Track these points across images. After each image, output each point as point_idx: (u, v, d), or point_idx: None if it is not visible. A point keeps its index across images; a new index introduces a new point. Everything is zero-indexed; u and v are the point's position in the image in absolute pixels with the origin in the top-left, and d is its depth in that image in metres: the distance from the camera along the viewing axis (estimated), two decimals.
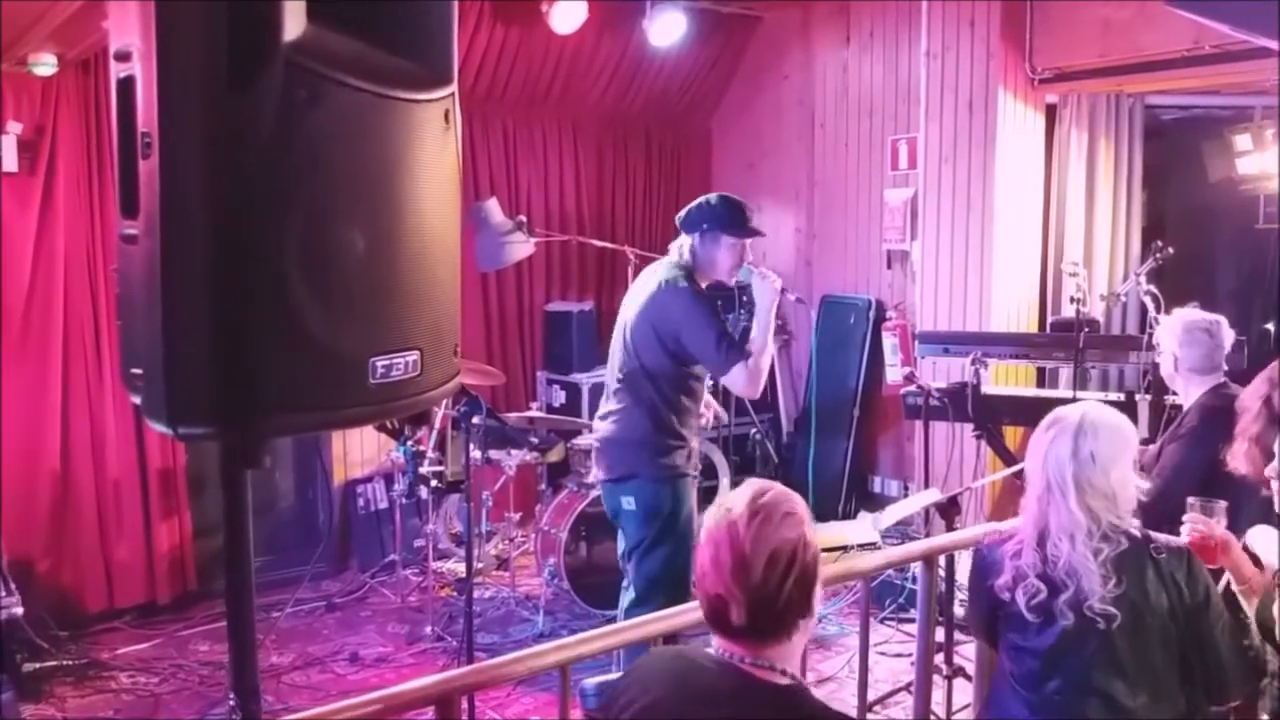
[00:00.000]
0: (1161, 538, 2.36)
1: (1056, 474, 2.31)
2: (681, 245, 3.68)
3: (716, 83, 7.63)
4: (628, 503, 3.65)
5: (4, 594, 4.15)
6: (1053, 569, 2.29)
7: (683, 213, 3.69)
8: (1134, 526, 2.34)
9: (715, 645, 1.74)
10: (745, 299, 6.41)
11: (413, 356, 1.41)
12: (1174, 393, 4.14)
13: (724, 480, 6.17)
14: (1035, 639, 2.32)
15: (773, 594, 1.64)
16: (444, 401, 4.87)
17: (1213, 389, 3.27)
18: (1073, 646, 2.28)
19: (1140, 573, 2.28)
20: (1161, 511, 2.68)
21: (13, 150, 4.76)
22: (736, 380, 3.52)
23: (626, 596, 3.70)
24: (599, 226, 7.13)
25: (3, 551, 4.45)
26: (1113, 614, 2.23)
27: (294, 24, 1.27)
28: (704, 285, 3.69)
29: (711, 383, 3.87)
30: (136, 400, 1.32)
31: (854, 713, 3.16)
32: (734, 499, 1.72)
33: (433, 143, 1.44)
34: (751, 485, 1.75)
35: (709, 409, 3.93)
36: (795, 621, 1.68)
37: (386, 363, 1.37)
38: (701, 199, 3.68)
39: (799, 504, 1.73)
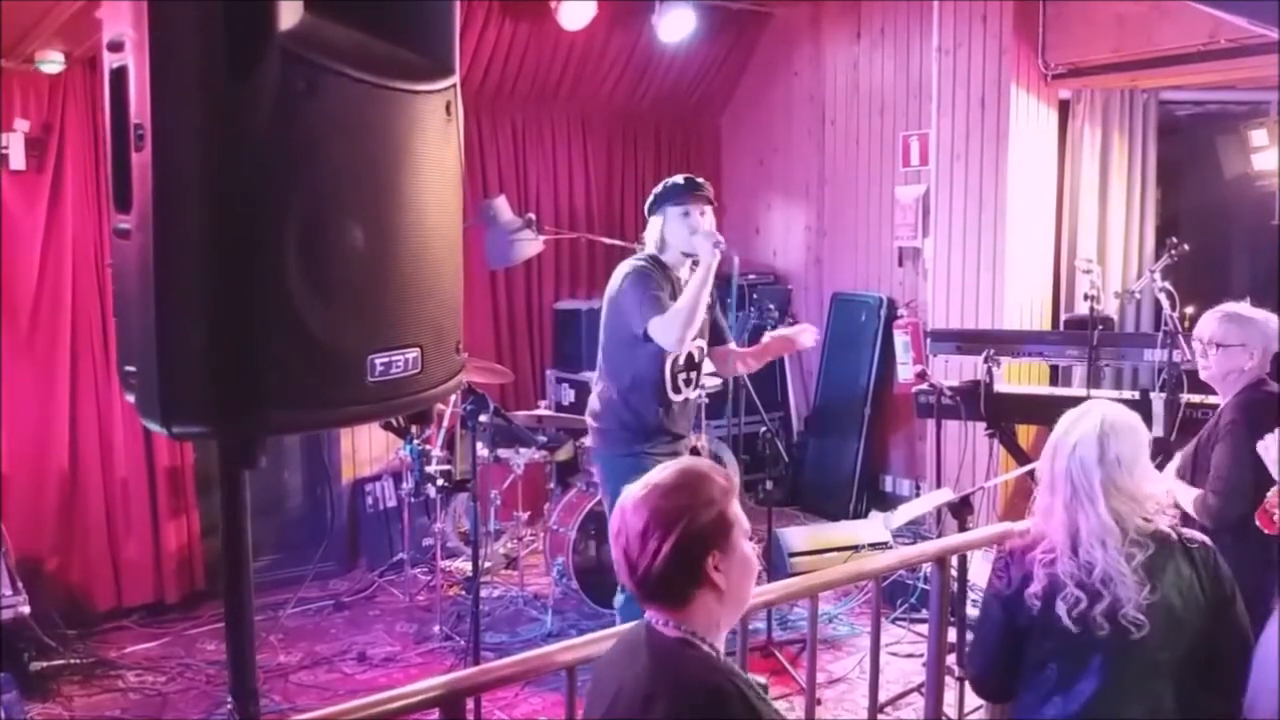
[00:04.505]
0: (1189, 531, 2.34)
1: (1083, 480, 2.27)
2: (645, 234, 3.90)
3: (726, 79, 7.59)
4: (597, 474, 4.02)
5: (11, 593, 4.14)
6: (1088, 576, 2.24)
7: (647, 203, 3.90)
8: (1164, 523, 2.31)
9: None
10: (755, 296, 6.39)
11: (413, 354, 1.38)
12: (1187, 391, 4.10)
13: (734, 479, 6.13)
14: (1072, 647, 2.27)
15: (647, 564, 1.68)
16: (451, 400, 4.86)
17: (1255, 384, 3.21)
18: (1112, 654, 2.24)
19: (1175, 571, 2.26)
20: (1238, 509, 2.83)
21: (20, 148, 4.76)
22: (655, 332, 3.65)
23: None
24: (608, 224, 7.09)
25: (11, 550, 4.44)
26: (1142, 621, 2.20)
27: (291, 13, 1.24)
28: (682, 267, 3.82)
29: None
30: (131, 399, 1.29)
31: (864, 713, 3.12)
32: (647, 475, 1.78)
33: (434, 135, 1.41)
34: (670, 462, 1.81)
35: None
36: (690, 592, 1.70)
37: (385, 360, 1.34)
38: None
39: (703, 477, 1.74)
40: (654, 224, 3.83)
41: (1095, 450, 2.26)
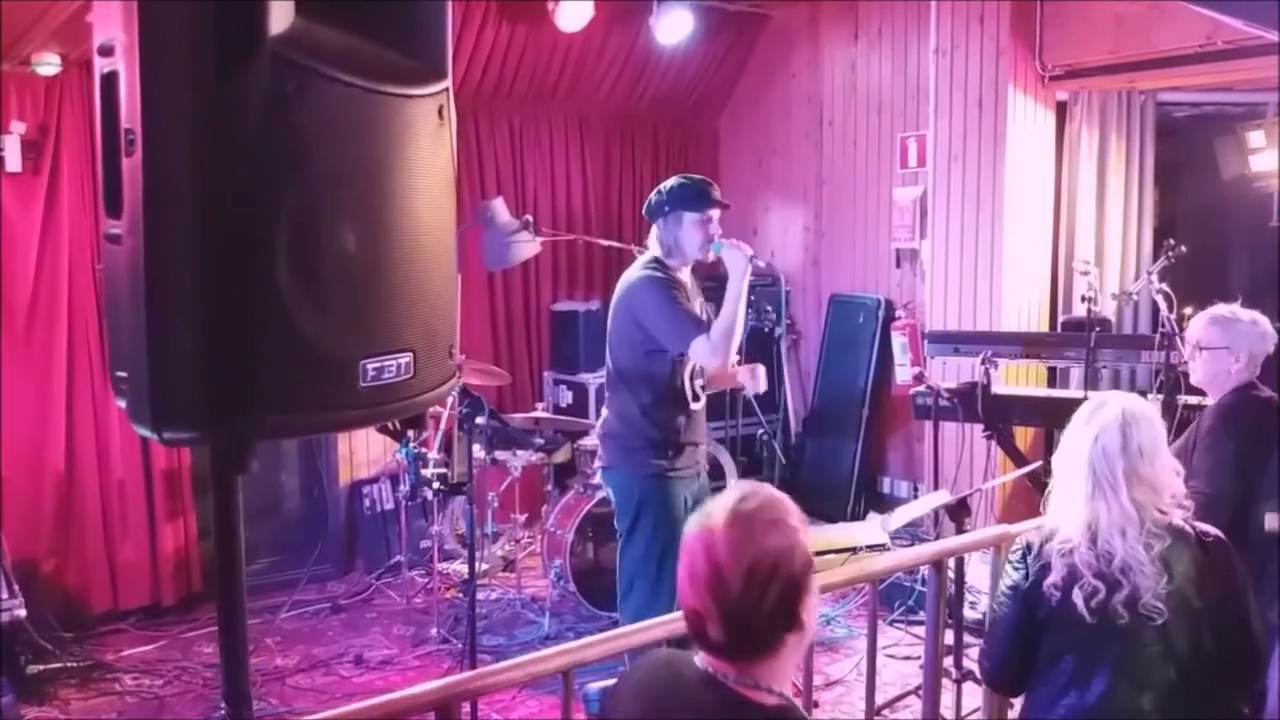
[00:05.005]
0: (1203, 525, 2.34)
1: (1106, 470, 2.27)
2: (651, 237, 3.73)
3: (724, 80, 7.59)
4: (610, 492, 3.83)
5: (7, 596, 4.13)
6: (1107, 566, 2.24)
7: (647, 203, 3.73)
8: (1177, 516, 2.31)
9: (701, 658, 1.65)
10: (752, 298, 6.37)
11: (405, 358, 1.37)
12: (1185, 393, 4.09)
13: (731, 481, 6.13)
14: (1089, 638, 2.27)
15: (751, 611, 1.53)
16: (449, 402, 4.85)
17: (1241, 387, 3.19)
18: (1130, 644, 2.24)
19: (1190, 562, 2.26)
20: (1220, 519, 2.73)
21: (16, 150, 4.75)
22: (699, 353, 3.52)
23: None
24: (606, 225, 7.09)
25: (7, 553, 4.43)
26: (1161, 610, 2.20)
27: (282, 17, 1.24)
28: (684, 270, 3.72)
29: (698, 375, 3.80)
30: (121, 404, 1.28)
31: (861, 716, 3.12)
32: (715, 506, 1.61)
33: (426, 139, 1.40)
34: (737, 489, 1.64)
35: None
36: (781, 637, 1.57)
37: (377, 365, 1.33)
38: (661, 185, 3.71)
39: (787, 509, 1.61)
40: (663, 226, 3.65)
41: (1118, 440, 2.27)
